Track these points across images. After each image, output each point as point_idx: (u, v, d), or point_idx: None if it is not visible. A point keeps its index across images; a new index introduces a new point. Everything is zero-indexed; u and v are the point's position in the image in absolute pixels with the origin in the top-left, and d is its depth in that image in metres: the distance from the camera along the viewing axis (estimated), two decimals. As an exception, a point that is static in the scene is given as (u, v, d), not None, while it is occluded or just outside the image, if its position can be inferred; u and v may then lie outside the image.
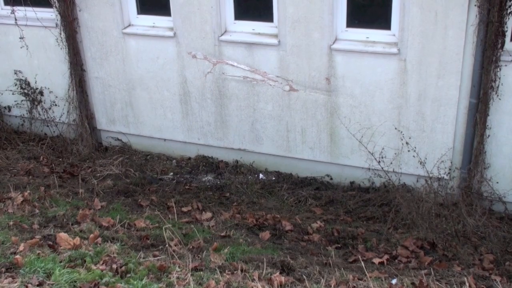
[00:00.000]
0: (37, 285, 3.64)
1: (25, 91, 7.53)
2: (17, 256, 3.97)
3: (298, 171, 6.55)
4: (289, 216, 5.64)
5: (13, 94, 7.60)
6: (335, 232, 5.31)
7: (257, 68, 6.29)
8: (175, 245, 4.47)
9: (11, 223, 4.78)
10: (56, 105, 7.42)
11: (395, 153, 5.96)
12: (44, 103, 7.50)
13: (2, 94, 7.71)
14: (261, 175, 6.56)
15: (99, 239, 4.51)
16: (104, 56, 7.01)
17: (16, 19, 7.19)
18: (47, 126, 7.53)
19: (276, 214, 5.64)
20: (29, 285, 3.64)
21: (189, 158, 6.96)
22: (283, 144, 6.49)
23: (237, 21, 6.37)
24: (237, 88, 6.45)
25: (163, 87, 6.81)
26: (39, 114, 7.51)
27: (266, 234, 5.17)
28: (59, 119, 7.40)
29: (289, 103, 6.28)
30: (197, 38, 6.42)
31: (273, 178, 6.49)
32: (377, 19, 5.83)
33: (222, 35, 6.33)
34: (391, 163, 5.93)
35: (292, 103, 6.27)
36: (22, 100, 7.56)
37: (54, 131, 7.52)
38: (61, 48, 7.12)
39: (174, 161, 6.96)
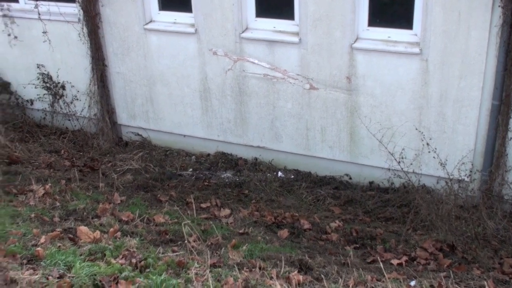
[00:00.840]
0: (58, 278, 3.68)
1: (47, 85, 7.61)
2: (39, 248, 4.01)
3: (317, 170, 6.54)
4: (308, 214, 5.63)
5: (35, 88, 7.69)
6: (353, 232, 5.29)
7: (278, 66, 6.28)
8: (194, 241, 4.50)
9: (32, 215, 4.84)
10: (77, 99, 7.49)
11: (416, 154, 5.91)
12: (66, 97, 7.58)
13: (25, 87, 7.80)
14: (280, 173, 6.56)
15: (119, 233, 4.55)
16: (125, 52, 7.06)
17: (39, 14, 7.28)
18: (69, 120, 7.60)
19: (294, 212, 5.64)
20: (50, 277, 3.68)
21: (208, 155, 6.99)
22: (303, 142, 6.48)
23: (258, 19, 6.37)
24: (257, 85, 6.45)
25: (184, 83, 6.83)
26: (61, 108, 7.59)
27: (284, 232, 5.17)
28: (80, 113, 7.47)
29: (309, 102, 6.27)
30: (218, 35, 6.44)
31: (292, 177, 6.48)
32: (399, 18, 5.78)
33: (243, 32, 6.33)
34: (411, 164, 5.89)
35: (312, 102, 6.25)
36: (44, 94, 7.65)
37: (75, 125, 7.59)
38: (83, 43, 7.19)
39: (194, 157, 6.98)
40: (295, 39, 6.10)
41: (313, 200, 6.02)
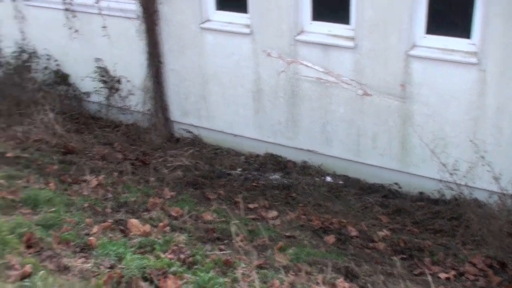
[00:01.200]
0: (109, 268, 3.78)
1: (104, 78, 7.81)
2: (91, 238, 4.13)
3: (366, 177, 6.48)
4: (355, 222, 5.59)
5: (93, 81, 7.90)
6: (401, 242, 5.22)
7: (331, 70, 6.26)
8: (241, 241, 4.53)
9: (85, 205, 4.98)
10: (132, 94, 7.65)
11: (469, 166, 5.78)
12: (121, 91, 7.76)
13: (82, 80, 8.03)
14: (328, 178, 6.53)
15: (168, 228, 4.63)
16: (181, 49, 7.17)
17: (100, 9, 7.48)
18: (123, 113, 7.79)
19: (341, 218, 5.61)
20: (101, 266, 3.78)
21: (258, 155, 7.02)
22: (353, 148, 6.43)
23: (313, 22, 6.37)
24: (310, 88, 6.44)
25: (237, 83, 6.89)
26: (116, 101, 7.78)
27: (331, 238, 5.15)
28: (135, 108, 7.64)
29: (361, 107, 6.22)
30: (273, 36, 6.46)
31: (341, 182, 6.45)
32: (456, 27, 5.66)
33: (298, 35, 6.34)
34: (464, 176, 5.76)
35: (365, 108, 6.20)
36: (101, 87, 7.85)
37: (129, 119, 7.76)
38: (140, 39, 7.34)
39: (243, 157, 7.03)
40: (350, 43, 6.06)
41: (361, 207, 5.97)
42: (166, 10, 7.11)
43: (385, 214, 5.88)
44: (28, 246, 4.00)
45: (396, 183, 6.36)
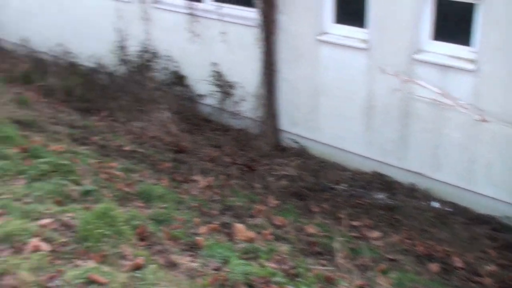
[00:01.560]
0: (214, 269, 3.90)
1: (219, 82, 8.06)
2: (199, 238, 4.29)
3: (476, 206, 6.21)
4: (461, 252, 5.38)
5: (207, 84, 8.18)
6: (509, 279, 4.97)
7: (448, 92, 6.07)
8: (343, 258, 4.52)
9: (194, 204, 5.18)
10: (244, 100, 7.84)
11: None
12: (234, 96, 7.97)
13: (198, 82, 8.33)
14: (435, 203, 6.33)
15: (271, 237, 4.71)
16: (295, 60, 7.25)
17: (219, 15, 7.73)
18: (233, 118, 7.99)
19: (447, 247, 5.42)
20: (207, 267, 3.91)
21: (364, 173, 6.93)
22: (464, 175, 6.19)
23: (432, 41, 6.20)
24: (424, 109, 6.29)
25: (349, 98, 6.86)
26: (228, 106, 8.00)
27: (435, 266, 4.99)
28: (245, 114, 7.81)
29: (477, 134, 5.98)
30: (390, 53, 6.37)
31: (448, 209, 6.22)
32: None
33: (416, 53, 6.20)
34: None
35: (481, 134, 5.95)
36: (215, 91, 8.11)
37: (238, 124, 7.96)
38: (256, 47, 7.50)
39: (349, 172, 6.97)
40: (470, 66, 5.85)
41: (468, 237, 5.73)
42: (285, 20, 7.22)
43: (493, 247, 5.61)
44: (141, 239, 4.22)
45: (508, 217, 6.05)
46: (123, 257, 3.88)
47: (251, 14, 7.55)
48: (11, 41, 10.94)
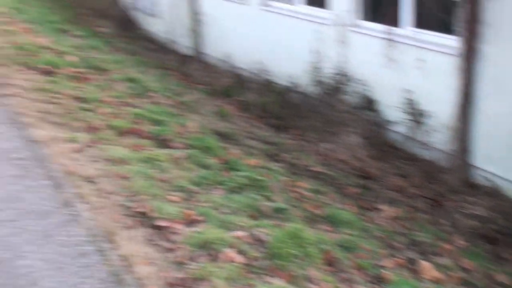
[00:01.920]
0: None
1: (410, 110, 7.93)
2: (386, 272, 4.28)
3: None
4: None
5: (397, 111, 8.10)
6: None
7: None
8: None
9: (379, 234, 5.18)
10: (435, 130, 7.62)
11: None
12: (424, 125, 7.78)
13: (388, 108, 8.29)
14: None
15: (459, 281, 4.54)
16: (497, 93, 6.87)
17: (417, 41, 7.61)
18: (421, 148, 7.80)
19: None
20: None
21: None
22: None
23: None
24: None
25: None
26: (417, 135, 7.83)
27: None
28: (435, 145, 7.58)
29: None
30: None
31: None
32: None
33: None
34: None
35: None
36: (405, 118, 7.99)
37: (426, 155, 7.74)
38: (454, 77, 7.25)
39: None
40: None
41: None
42: (487, 49, 6.88)
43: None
44: (328, 264, 4.34)
45: None
46: (309, 280, 4.04)
47: (451, 41, 7.32)
48: (215, 56, 11.93)
